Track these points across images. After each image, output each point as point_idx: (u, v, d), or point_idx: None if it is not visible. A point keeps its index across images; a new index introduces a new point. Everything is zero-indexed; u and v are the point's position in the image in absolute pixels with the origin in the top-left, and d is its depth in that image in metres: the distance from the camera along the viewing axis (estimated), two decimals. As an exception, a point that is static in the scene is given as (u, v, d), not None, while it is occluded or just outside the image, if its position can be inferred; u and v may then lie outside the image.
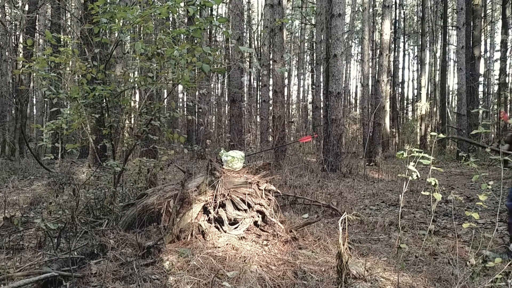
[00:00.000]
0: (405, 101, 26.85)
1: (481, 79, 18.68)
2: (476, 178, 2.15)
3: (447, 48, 19.49)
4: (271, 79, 11.87)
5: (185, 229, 2.95)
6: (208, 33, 15.67)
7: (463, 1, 11.47)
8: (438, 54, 21.52)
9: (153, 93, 6.86)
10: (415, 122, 19.08)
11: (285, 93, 16.12)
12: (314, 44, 17.24)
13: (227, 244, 2.84)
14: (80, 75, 3.83)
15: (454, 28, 22.30)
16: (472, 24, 13.40)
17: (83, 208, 3.50)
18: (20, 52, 12.80)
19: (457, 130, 11.84)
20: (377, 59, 17.70)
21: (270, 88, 12.14)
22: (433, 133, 2.44)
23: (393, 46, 20.39)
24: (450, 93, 26.68)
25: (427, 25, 19.08)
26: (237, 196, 3.12)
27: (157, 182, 4.25)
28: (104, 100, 3.80)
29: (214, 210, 3.06)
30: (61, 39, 10.03)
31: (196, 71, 4.38)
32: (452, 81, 27.34)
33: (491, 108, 19.33)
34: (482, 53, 21.27)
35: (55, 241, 2.65)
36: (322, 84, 13.22)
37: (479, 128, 2.22)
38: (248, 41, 20.69)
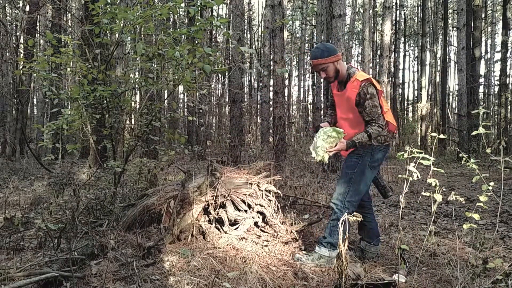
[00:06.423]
0: (406, 102, 26.88)
1: (481, 80, 18.69)
2: (477, 179, 2.15)
3: (447, 49, 19.48)
4: (271, 80, 11.88)
5: (186, 229, 2.95)
6: (209, 33, 15.67)
7: (464, 2, 11.47)
8: (438, 55, 21.52)
9: (153, 93, 6.86)
10: (415, 123, 19.06)
11: (286, 94, 16.12)
12: (315, 45, 17.24)
13: (227, 245, 2.84)
14: (80, 76, 3.84)
15: (454, 29, 22.32)
16: (472, 25, 13.39)
17: (84, 208, 3.50)
18: (21, 53, 12.82)
19: (458, 131, 11.83)
20: (378, 60, 17.74)
21: (271, 88, 12.15)
22: (433, 134, 2.44)
23: (393, 47, 20.39)
24: (451, 94, 26.70)
25: (428, 26, 19.08)
26: (238, 197, 3.12)
27: (158, 183, 4.26)
28: (105, 101, 3.81)
29: (214, 211, 3.05)
30: (62, 40, 10.05)
31: (197, 71, 4.39)
32: (453, 82, 27.37)
33: (491, 109, 19.32)
34: (483, 54, 21.28)
35: (56, 242, 2.65)
36: (322, 85, 13.21)
37: (479, 129, 2.21)
38: (248, 41, 20.72)
